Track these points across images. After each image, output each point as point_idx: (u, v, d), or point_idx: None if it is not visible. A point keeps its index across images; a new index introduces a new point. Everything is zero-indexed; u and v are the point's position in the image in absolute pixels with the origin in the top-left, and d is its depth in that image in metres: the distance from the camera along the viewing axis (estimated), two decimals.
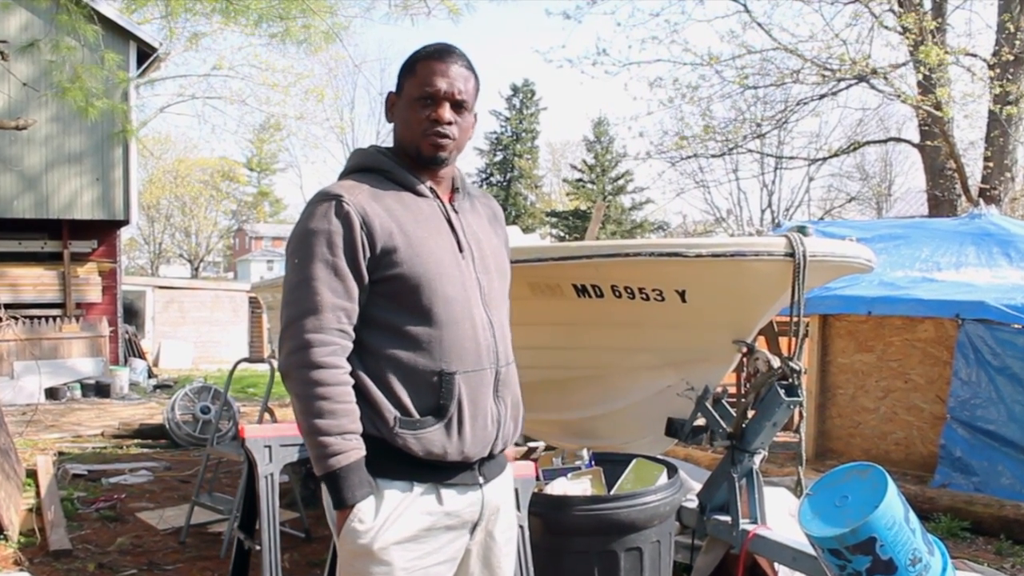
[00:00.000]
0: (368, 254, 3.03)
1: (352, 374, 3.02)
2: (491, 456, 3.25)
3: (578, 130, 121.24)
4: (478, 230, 3.32)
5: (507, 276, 3.43)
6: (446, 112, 3.16)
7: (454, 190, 3.34)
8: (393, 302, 3.07)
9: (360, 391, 3.02)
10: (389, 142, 3.36)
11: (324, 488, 3.03)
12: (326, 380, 2.94)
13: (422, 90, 3.17)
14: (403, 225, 3.08)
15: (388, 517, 3.01)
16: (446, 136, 3.17)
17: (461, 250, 3.19)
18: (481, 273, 3.23)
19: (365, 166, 3.27)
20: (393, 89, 3.32)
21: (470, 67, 3.25)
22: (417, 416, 3.04)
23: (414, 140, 3.20)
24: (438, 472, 3.10)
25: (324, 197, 3.07)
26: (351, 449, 2.94)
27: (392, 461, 3.04)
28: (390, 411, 3.02)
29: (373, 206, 3.06)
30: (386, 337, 3.07)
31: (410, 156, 3.23)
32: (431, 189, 3.24)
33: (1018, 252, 11.19)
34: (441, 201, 3.25)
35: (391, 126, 3.31)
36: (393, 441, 3.02)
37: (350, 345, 3.04)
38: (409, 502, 3.05)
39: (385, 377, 3.04)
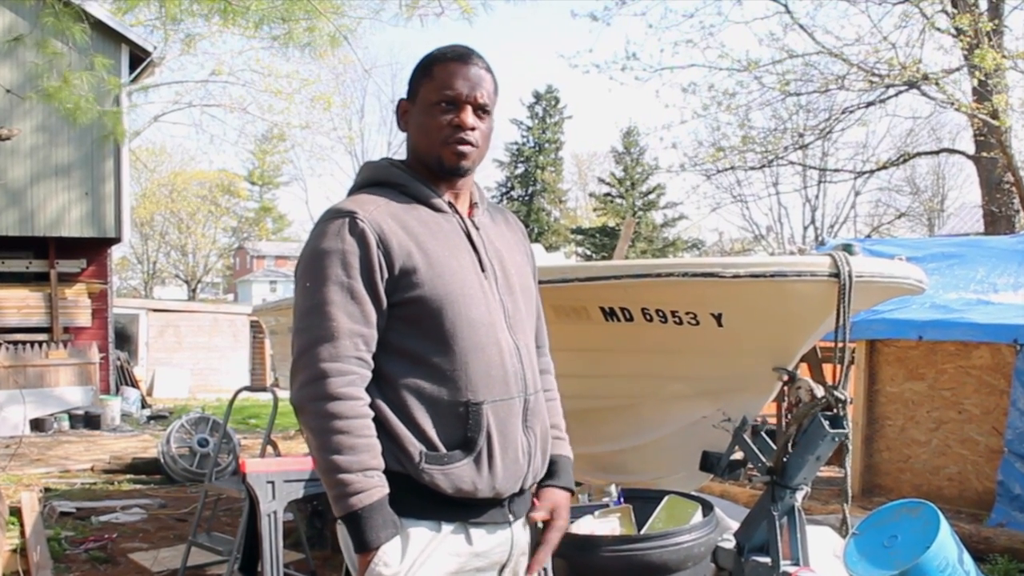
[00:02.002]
0: (386, 275, 2.99)
1: (371, 405, 2.99)
2: (521, 491, 3.21)
3: (606, 140, 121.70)
4: (500, 246, 3.28)
5: (532, 295, 3.40)
6: (469, 116, 3.13)
7: (473, 204, 3.30)
8: (413, 327, 3.04)
9: (381, 424, 2.99)
10: (402, 153, 3.34)
11: (344, 530, 2.99)
12: (344, 413, 2.90)
13: (441, 94, 3.13)
14: (422, 243, 3.04)
15: (416, 560, 2.98)
16: (469, 143, 3.13)
17: (483, 269, 3.15)
18: (504, 293, 3.20)
19: (377, 180, 3.23)
20: (404, 96, 3.28)
21: (489, 69, 3.23)
22: (444, 450, 3.00)
23: (433, 148, 3.15)
24: (467, 510, 3.07)
25: (337, 214, 3.04)
26: (373, 487, 2.90)
27: (418, 499, 3.01)
28: (414, 445, 2.99)
29: (389, 223, 3.03)
30: (407, 365, 3.04)
31: (428, 167, 3.19)
32: (449, 203, 3.20)
33: None
34: (460, 216, 3.21)
35: (403, 136, 3.29)
36: (419, 477, 2.98)
37: (369, 374, 3.00)
38: (437, 543, 3.02)
39: (407, 408, 3.01)
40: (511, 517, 3.18)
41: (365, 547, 2.91)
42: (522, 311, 3.28)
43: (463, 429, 3.03)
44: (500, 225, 3.40)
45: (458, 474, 3.00)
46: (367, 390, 2.99)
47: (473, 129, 3.14)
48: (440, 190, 3.20)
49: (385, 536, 2.92)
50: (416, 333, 3.03)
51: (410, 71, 3.26)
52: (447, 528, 3.04)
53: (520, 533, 3.24)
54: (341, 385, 2.91)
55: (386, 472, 2.96)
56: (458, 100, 3.12)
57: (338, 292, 2.96)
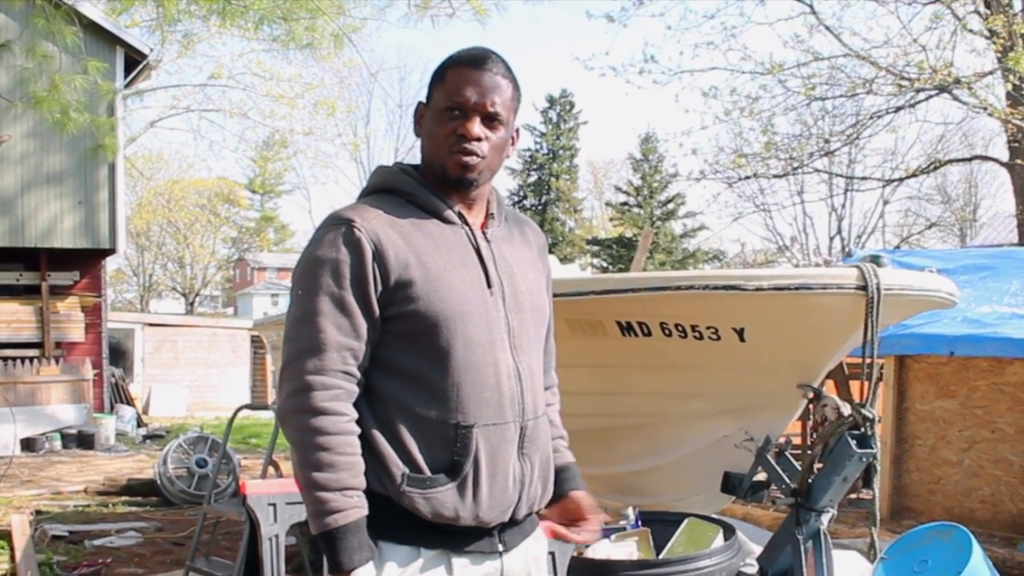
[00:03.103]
0: (380, 287, 2.99)
1: (358, 422, 2.99)
2: (513, 521, 3.18)
3: (623, 147, 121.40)
4: (512, 262, 3.24)
5: (544, 315, 3.37)
6: (475, 126, 3.09)
7: (489, 215, 3.28)
8: (407, 343, 3.03)
9: (366, 442, 2.99)
10: (410, 159, 3.32)
11: (321, 549, 2.98)
12: (327, 428, 2.91)
13: (450, 100, 3.10)
14: (422, 256, 3.03)
15: None
16: (473, 154, 3.10)
17: (490, 285, 3.12)
18: (512, 312, 3.16)
19: (385, 186, 3.21)
20: (423, 99, 3.26)
21: (509, 76, 3.19)
22: (428, 473, 2.99)
23: (438, 157, 3.13)
24: (449, 538, 3.06)
25: (334, 222, 3.04)
26: (351, 507, 2.91)
27: (398, 522, 3.01)
28: (398, 466, 2.98)
29: (388, 233, 3.02)
30: (397, 382, 3.04)
31: (436, 176, 3.16)
32: (460, 215, 3.17)
33: None
34: (471, 228, 3.17)
35: (412, 142, 3.28)
36: (399, 500, 2.98)
37: (356, 389, 3.00)
38: (414, 571, 3.01)
39: (394, 427, 3.01)
40: (501, 547, 3.15)
41: (338, 569, 2.91)
42: (530, 332, 3.25)
43: (450, 453, 3.02)
44: (516, 238, 3.36)
45: (440, 499, 2.99)
46: (356, 406, 3.00)
47: (479, 139, 3.11)
48: (451, 200, 3.18)
49: (359, 560, 2.92)
50: (409, 349, 3.03)
51: (417, 74, 3.26)
52: (427, 555, 3.03)
53: (514, 564, 3.20)
54: (325, 399, 2.92)
55: (367, 492, 2.96)
56: (466, 108, 3.10)
57: (328, 303, 2.97)
